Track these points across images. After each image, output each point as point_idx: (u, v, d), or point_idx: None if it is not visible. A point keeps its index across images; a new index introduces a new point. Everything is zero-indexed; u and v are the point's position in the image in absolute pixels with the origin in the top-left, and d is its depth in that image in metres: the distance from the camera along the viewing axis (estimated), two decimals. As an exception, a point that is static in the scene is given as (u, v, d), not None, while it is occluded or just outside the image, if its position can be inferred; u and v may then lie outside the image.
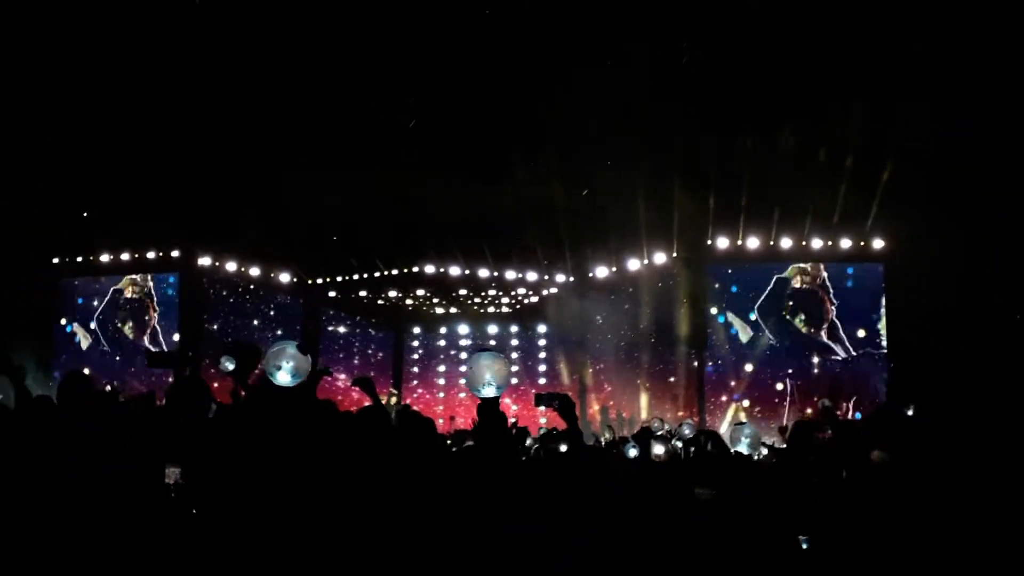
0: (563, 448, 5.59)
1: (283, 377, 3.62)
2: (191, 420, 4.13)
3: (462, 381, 20.95)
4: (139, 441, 4.25)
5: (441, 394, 20.39)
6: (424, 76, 13.91)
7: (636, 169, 14.56)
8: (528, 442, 8.97)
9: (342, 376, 19.00)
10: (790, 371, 15.35)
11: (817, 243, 15.26)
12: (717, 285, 15.75)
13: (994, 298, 12.75)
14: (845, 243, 15.19)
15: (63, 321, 17.46)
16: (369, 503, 3.64)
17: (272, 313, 18.26)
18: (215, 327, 16.98)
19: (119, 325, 17.01)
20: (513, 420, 10.69)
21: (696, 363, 15.67)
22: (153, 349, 16.16)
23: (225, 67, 13.45)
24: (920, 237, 13.76)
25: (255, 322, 17.72)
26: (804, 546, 3.46)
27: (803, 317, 15.37)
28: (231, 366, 4.83)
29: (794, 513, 3.56)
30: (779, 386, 15.31)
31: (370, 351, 20.55)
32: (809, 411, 14.23)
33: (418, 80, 14.01)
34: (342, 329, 20.07)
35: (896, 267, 14.97)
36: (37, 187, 13.95)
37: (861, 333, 15.26)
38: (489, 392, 3.34)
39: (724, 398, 15.37)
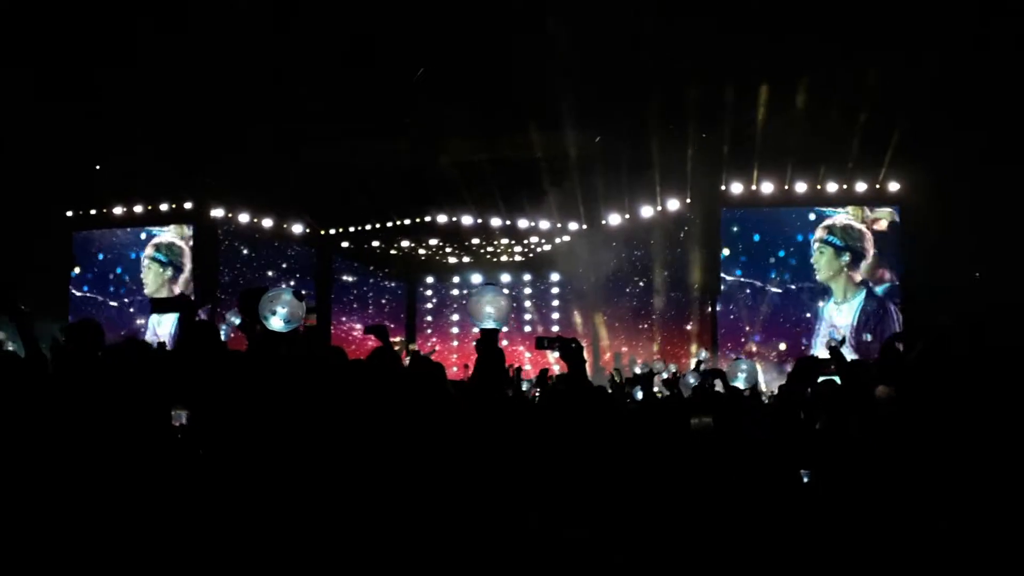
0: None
1: (276, 323, 3.61)
2: (200, 363, 4.15)
3: (475, 330, 21.08)
4: (148, 384, 4.29)
5: (455, 343, 20.47)
6: (434, 23, 13.72)
7: (649, 114, 14.45)
8: (525, 387, 8.97)
9: (358, 326, 19.14)
10: (808, 315, 15.36)
11: (832, 187, 15.15)
12: (735, 229, 15.69)
13: (1010, 241, 12.63)
14: (860, 186, 15.07)
15: (77, 272, 17.54)
16: (377, 443, 3.67)
17: (285, 264, 18.30)
18: (228, 279, 17.05)
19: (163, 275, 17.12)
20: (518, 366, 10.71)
21: (710, 309, 15.66)
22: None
23: (236, 18, 13.32)
24: (937, 180, 13.63)
25: (269, 273, 17.77)
26: (805, 479, 3.48)
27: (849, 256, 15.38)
28: (237, 320, 4.83)
29: (795, 446, 3.57)
30: (796, 329, 15.34)
31: (383, 301, 20.62)
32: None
33: (429, 27, 13.83)
34: (355, 279, 20.11)
35: (911, 210, 14.84)
36: (50, 139, 13.95)
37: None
38: (489, 325, 3.34)
39: (739, 343, 15.38)
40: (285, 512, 3.41)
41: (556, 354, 3.93)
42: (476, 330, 3.48)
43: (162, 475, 3.77)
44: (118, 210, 17.14)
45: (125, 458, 3.78)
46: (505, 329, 3.66)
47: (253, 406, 3.75)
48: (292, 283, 17.70)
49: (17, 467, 3.85)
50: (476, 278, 20.30)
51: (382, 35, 13.69)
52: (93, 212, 17.33)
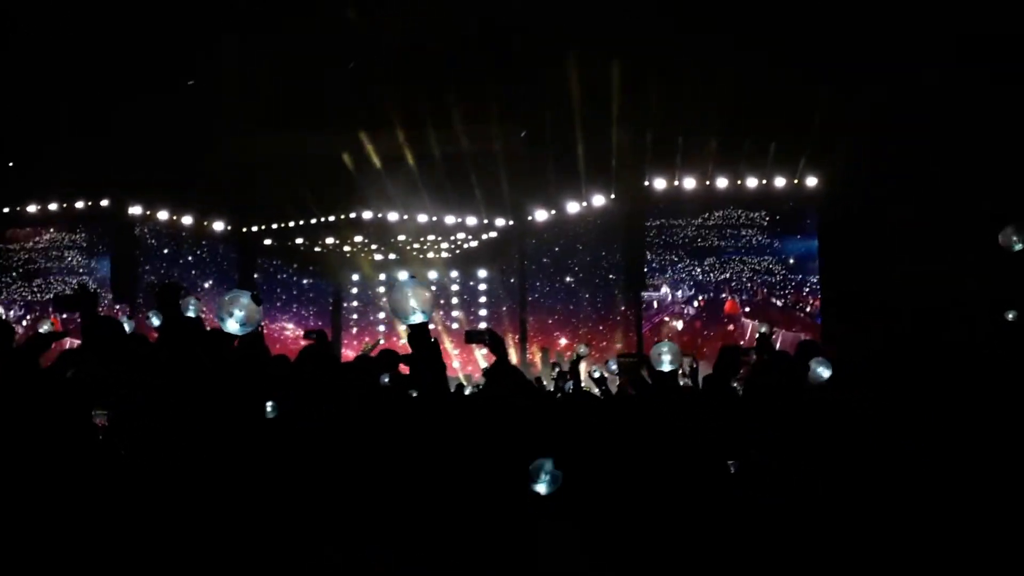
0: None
1: (232, 325, 3.54)
2: (115, 362, 4.03)
3: (402, 328, 21.13)
4: (64, 386, 4.16)
5: (381, 340, 20.29)
6: (361, 17, 13.62)
7: (573, 110, 14.54)
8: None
9: (289, 326, 18.92)
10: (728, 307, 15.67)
11: (752, 182, 15.45)
12: (656, 224, 15.92)
13: (927, 232, 12.99)
14: (779, 182, 15.39)
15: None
16: (302, 436, 3.63)
17: (207, 262, 17.96)
18: (152, 278, 16.68)
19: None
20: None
21: (635, 302, 15.85)
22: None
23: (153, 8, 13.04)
24: (854, 175, 13.97)
25: (191, 272, 17.43)
26: (732, 470, 3.53)
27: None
28: (157, 321, 4.70)
29: (721, 437, 3.62)
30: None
31: (308, 298, 20.34)
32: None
33: (356, 21, 13.72)
34: (279, 277, 19.80)
35: (829, 205, 15.19)
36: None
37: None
38: (416, 319, 3.30)
39: (663, 336, 15.58)
40: (218, 514, 3.34)
41: (485, 350, 3.91)
42: (403, 328, 3.43)
43: (84, 476, 3.66)
44: (32, 208, 16.62)
45: (45, 460, 3.67)
46: (432, 326, 3.62)
47: (184, 404, 3.66)
48: (210, 281, 17.45)
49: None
50: (403, 275, 20.14)
51: (307, 28, 13.57)
52: (7, 211, 16.79)
